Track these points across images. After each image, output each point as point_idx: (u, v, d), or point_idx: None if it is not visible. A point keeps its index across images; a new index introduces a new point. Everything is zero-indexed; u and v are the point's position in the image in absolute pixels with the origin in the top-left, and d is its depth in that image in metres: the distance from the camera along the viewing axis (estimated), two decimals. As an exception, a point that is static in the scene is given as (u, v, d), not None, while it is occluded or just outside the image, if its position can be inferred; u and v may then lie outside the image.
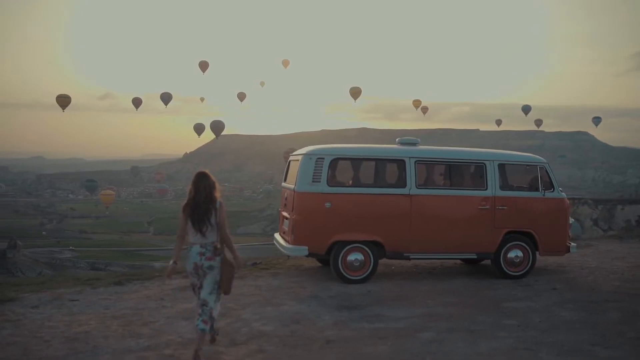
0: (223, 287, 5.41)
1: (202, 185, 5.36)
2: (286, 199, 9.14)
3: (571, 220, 9.62)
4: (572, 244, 9.42)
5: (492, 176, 8.96)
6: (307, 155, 8.67)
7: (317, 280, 8.72)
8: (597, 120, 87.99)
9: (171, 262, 5.35)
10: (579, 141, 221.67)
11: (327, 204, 8.46)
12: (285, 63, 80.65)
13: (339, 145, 9.18)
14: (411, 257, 8.87)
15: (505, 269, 9.01)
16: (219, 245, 5.38)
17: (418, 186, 8.73)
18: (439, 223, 8.79)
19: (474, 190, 9.00)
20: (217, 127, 71.78)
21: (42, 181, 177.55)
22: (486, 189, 8.93)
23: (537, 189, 9.11)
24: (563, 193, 9.35)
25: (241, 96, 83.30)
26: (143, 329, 6.15)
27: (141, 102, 76.94)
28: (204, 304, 5.31)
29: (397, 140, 9.42)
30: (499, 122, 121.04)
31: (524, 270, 9.06)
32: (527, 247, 9.04)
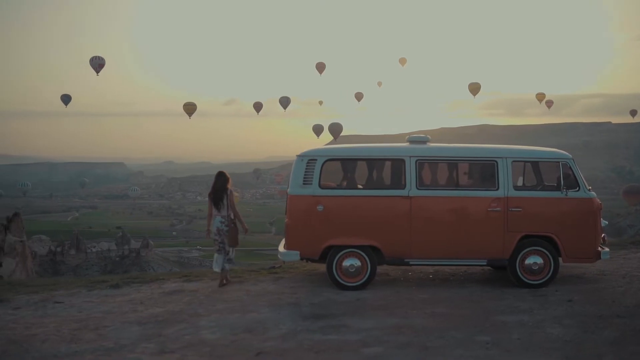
0: (230, 242, 8.43)
1: (220, 180, 8.58)
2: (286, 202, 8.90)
3: (604, 222, 8.52)
4: (605, 249, 8.33)
5: (505, 175, 8.16)
6: (299, 157, 8.39)
7: (315, 286, 8.38)
8: None
9: (207, 229, 8.65)
10: None
11: (319, 207, 8.13)
12: (402, 61, 79.64)
13: (333, 146, 8.86)
14: (411, 263, 8.28)
15: (522, 276, 8.17)
16: (232, 217, 8.48)
17: (419, 187, 8.15)
18: (442, 226, 8.14)
19: (483, 191, 8.23)
20: (335, 129, 72.51)
21: (173, 184, 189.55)
22: (497, 189, 8.15)
23: (558, 188, 8.18)
24: (592, 192, 8.31)
25: (358, 96, 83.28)
26: (89, 334, 6.20)
27: (262, 106, 79.61)
28: (229, 255, 8.45)
29: (406, 138, 8.89)
30: (633, 113, 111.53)
31: (545, 279, 8.15)
32: (548, 253, 8.15)
